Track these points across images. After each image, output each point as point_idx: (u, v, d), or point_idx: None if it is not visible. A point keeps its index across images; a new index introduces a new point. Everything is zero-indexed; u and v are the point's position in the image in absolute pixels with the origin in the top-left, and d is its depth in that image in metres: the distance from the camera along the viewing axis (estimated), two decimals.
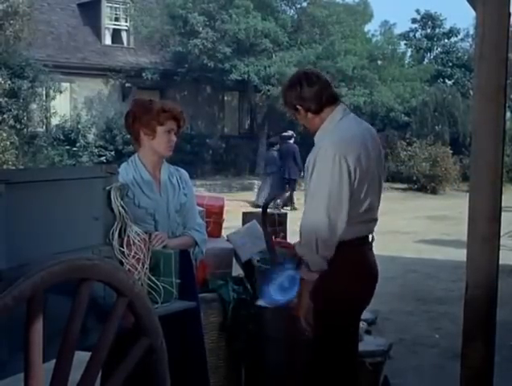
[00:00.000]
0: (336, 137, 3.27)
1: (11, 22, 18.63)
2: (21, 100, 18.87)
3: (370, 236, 3.43)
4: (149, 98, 3.70)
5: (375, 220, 3.45)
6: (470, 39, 29.19)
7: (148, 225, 3.40)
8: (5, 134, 17.54)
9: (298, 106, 3.39)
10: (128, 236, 2.72)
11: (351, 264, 3.28)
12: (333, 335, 3.32)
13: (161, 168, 3.61)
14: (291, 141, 17.65)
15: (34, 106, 19.64)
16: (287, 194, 17.16)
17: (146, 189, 3.51)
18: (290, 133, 17.87)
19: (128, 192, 3.25)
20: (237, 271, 4.98)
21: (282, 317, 4.17)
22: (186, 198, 3.63)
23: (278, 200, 16.15)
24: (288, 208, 15.99)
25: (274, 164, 17.54)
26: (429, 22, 30.39)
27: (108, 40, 24.34)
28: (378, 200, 3.44)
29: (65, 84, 21.08)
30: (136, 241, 2.74)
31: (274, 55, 22.20)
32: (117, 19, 24.60)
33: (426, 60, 30.12)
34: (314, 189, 3.23)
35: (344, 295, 3.27)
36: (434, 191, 22.80)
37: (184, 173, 3.75)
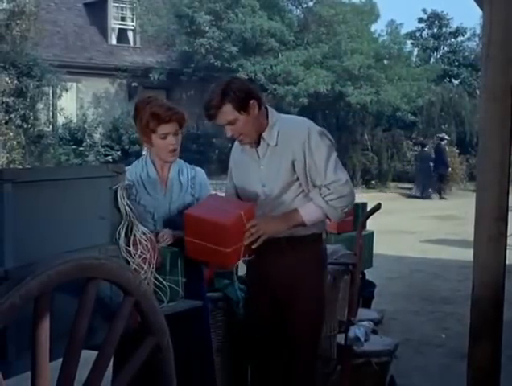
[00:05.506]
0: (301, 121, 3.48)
1: (18, 21, 18.65)
2: (28, 100, 18.89)
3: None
4: (148, 96, 3.55)
5: None
6: (477, 39, 29.04)
7: (147, 224, 3.30)
8: (12, 134, 17.59)
9: (252, 100, 3.32)
10: (134, 236, 2.72)
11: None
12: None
13: (170, 166, 3.54)
14: (443, 142, 21.77)
15: (40, 106, 19.67)
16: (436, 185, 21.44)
17: (150, 187, 3.49)
18: (442, 135, 22.27)
19: (132, 190, 3.25)
20: (242, 271, 4.97)
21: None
22: (192, 198, 3.53)
23: (430, 189, 21.11)
24: (437, 197, 20.86)
25: (427, 161, 21.45)
26: (436, 22, 30.26)
27: (114, 40, 24.38)
28: None
29: (71, 84, 21.10)
30: (142, 241, 2.74)
31: (280, 55, 22.18)
32: (123, 19, 24.65)
33: (432, 60, 30.00)
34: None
35: None
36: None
37: (200, 172, 3.64)
